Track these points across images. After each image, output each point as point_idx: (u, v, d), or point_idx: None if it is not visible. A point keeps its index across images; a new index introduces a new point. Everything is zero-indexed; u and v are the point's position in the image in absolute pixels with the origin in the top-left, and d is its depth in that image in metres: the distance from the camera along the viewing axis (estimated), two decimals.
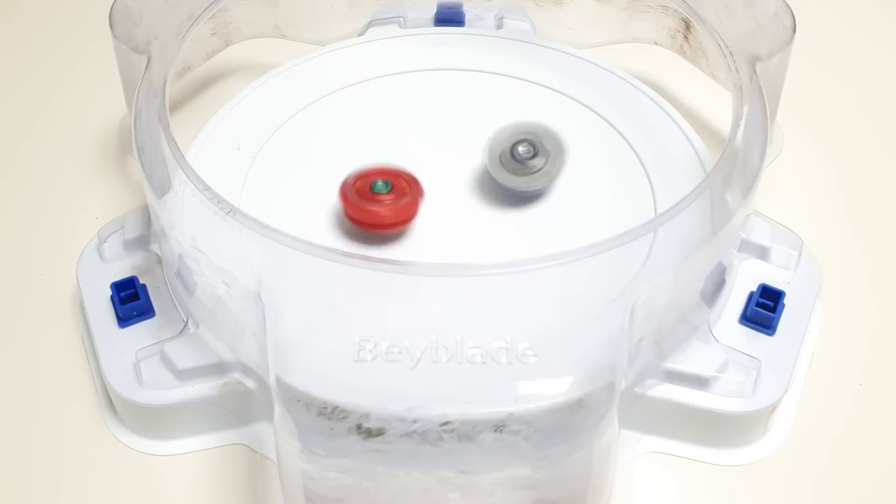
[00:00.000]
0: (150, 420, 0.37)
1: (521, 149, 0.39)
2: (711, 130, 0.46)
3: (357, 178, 0.39)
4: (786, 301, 0.39)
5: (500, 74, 0.45)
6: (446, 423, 0.31)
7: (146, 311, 0.38)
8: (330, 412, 0.31)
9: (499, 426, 0.31)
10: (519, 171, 0.39)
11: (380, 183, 0.38)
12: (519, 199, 0.40)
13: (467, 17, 0.48)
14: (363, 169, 0.39)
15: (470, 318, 0.33)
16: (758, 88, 0.38)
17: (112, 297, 0.39)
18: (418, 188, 0.39)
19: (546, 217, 0.40)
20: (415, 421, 0.31)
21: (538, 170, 0.39)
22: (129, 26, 0.41)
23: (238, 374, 0.36)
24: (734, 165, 0.37)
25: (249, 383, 0.36)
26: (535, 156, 0.39)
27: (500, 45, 0.47)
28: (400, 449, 0.31)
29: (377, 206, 0.38)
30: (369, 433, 0.31)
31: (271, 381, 0.32)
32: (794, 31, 0.40)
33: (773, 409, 0.37)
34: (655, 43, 0.46)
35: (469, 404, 0.31)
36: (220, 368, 0.36)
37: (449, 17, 0.48)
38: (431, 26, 0.48)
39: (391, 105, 0.44)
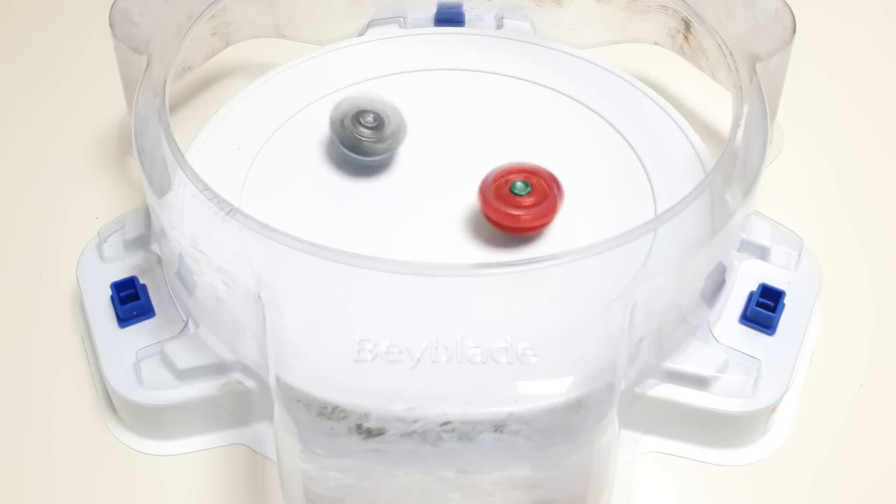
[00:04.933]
0: (150, 420, 0.37)
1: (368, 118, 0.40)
2: (711, 130, 0.46)
3: (497, 177, 0.39)
4: (786, 301, 0.39)
5: (500, 74, 0.45)
6: (446, 423, 0.31)
7: (146, 311, 0.38)
8: (330, 412, 0.31)
9: (499, 426, 0.31)
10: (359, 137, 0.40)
11: (519, 184, 0.38)
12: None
13: (467, 17, 0.48)
14: (502, 168, 0.39)
15: (470, 318, 0.33)
16: (758, 88, 0.38)
17: (112, 297, 0.39)
18: (559, 188, 0.38)
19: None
20: (415, 421, 0.31)
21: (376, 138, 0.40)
22: (129, 26, 0.41)
23: (238, 374, 0.36)
24: (734, 165, 0.37)
25: (249, 383, 0.36)
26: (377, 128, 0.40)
27: (500, 45, 0.47)
28: (400, 449, 0.31)
29: (517, 210, 0.38)
30: (369, 433, 0.31)
31: (271, 381, 0.32)
32: (794, 31, 0.40)
33: (773, 409, 0.37)
34: (655, 43, 0.46)
35: (469, 404, 0.31)
36: (220, 368, 0.36)
37: (449, 17, 0.48)
38: (431, 26, 0.48)
39: None
